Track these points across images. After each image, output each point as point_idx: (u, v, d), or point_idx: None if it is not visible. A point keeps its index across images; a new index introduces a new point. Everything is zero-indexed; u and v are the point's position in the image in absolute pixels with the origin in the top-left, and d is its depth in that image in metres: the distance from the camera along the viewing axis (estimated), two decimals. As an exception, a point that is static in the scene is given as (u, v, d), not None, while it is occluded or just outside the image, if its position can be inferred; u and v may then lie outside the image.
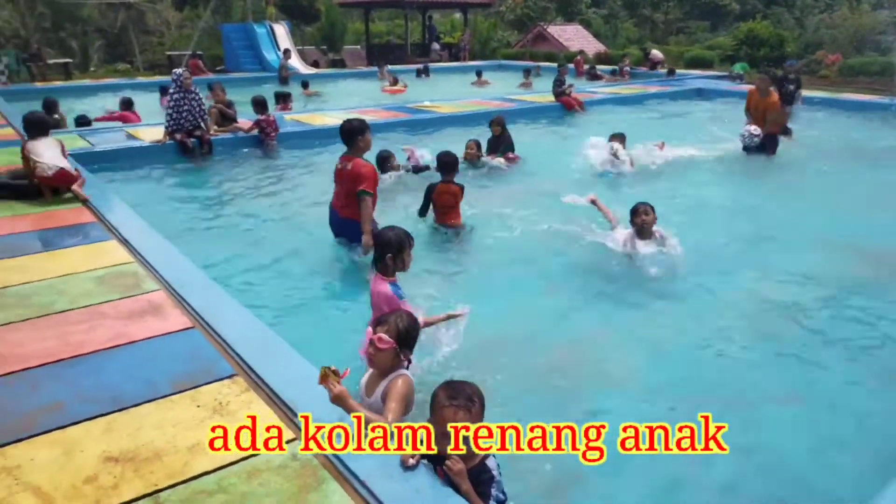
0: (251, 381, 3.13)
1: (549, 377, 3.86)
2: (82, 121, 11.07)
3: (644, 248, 5.36)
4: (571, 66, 22.22)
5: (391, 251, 3.60)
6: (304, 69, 21.79)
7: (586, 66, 21.84)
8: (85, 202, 6.13)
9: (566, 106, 13.82)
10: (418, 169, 8.12)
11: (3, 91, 16.08)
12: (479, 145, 8.83)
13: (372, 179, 5.26)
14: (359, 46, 33.83)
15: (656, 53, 24.14)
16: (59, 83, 19.41)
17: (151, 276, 4.38)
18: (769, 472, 3.15)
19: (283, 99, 13.40)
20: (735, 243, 6.12)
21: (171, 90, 9.20)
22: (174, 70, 9.33)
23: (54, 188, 6.29)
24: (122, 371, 3.21)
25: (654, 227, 5.42)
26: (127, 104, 12.12)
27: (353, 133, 5.28)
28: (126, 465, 2.53)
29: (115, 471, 2.50)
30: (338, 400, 2.53)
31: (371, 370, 2.87)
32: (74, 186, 6.27)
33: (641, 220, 5.39)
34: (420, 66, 23.25)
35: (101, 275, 4.41)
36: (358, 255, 5.31)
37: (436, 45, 29.45)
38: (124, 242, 5.04)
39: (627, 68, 20.68)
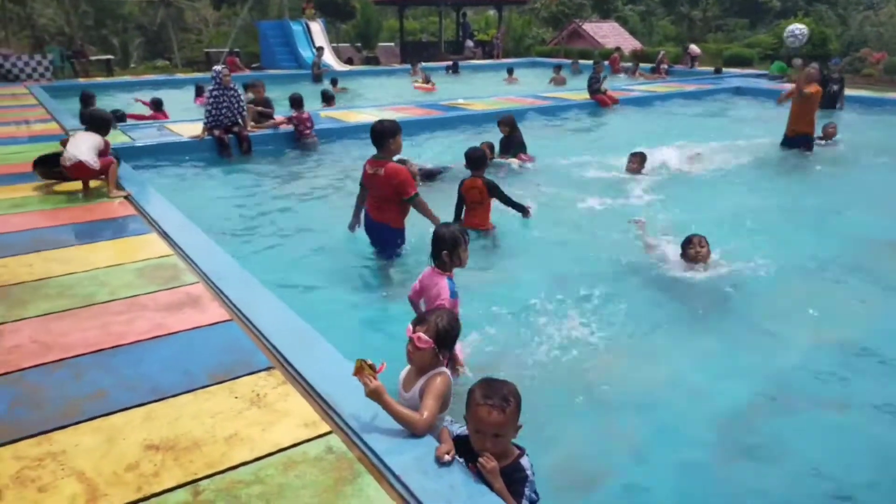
0: (287, 373, 3.16)
1: (590, 387, 3.82)
2: (117, 116, 11.26)
3: (689, 272, 5.17)
4: (607, 63, 22.02)
5: (446, 247, 3.66)
6: (339, 66, 21.97)
7: (628, 64, 21.60)
8: (116, 197, 6.27)
9: (601, 104, 13.70)
10: (430, 174, 8.01)
11: (48, 87, 16.53)
12: (491, 147, 8.47)
13: (411, 181, 5.24)
14: (392, 44, 33.99)
15: (694, 48, 23.72)
16: (101, 79, 19.89)
17: (190, 269, 4.45)
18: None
19: (328, 100, 13.40)
20: (781, 258, 5.93)
21: (210, 87, 9.34)
22: (214, 67, 9.48)
23: (84, 181, 6.43)
24: (161, 361, 3.26)
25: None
26: (157, 105, 12.29)
27: (384, 135, 5.17)
28: (166, 453, 2.57)
29: (156, 459, 2.54)
30: (374, 395, 2.54)
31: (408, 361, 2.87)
32: (106, 181, 6.38)
33: (695, 252, 5.15)
34: (449, 63, 23.26)
35: (142, 267, 4.50)
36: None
37: (469, 43, 29.41)
38: (164, 236, 5.14)
39: (665, 66, 20.32)
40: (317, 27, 23.10)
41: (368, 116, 11.66)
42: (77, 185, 6.50)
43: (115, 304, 3.92)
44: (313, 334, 3.49)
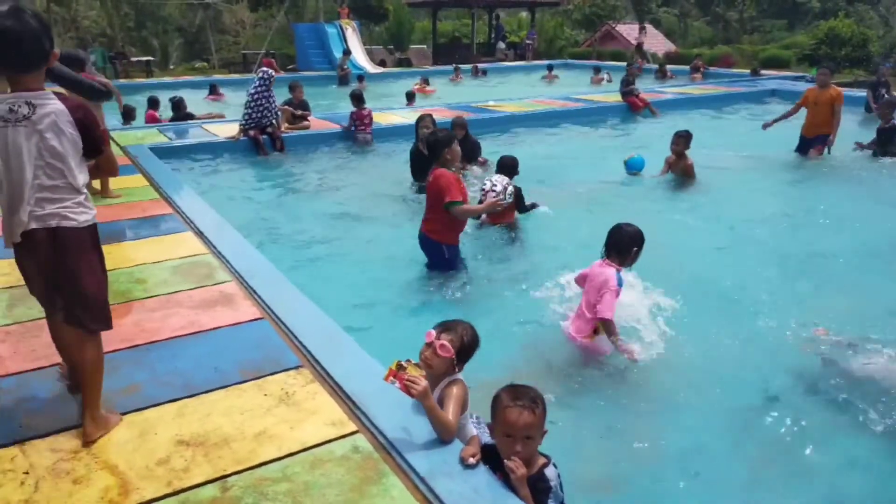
0: (316, 372, 3.20)
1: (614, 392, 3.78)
2: (127, 112, 11.23)
3: None
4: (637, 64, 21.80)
5: (638, 245, 3.95)
6: (372, 69, 22.13)
7: (654, 66, 21.35)
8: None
9: (632, 107, 13.55)
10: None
11: (89, 88, 16.97)
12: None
13: (455, 186, 4.90)
14: (424, 46, 34.10)
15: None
16: (141, 80, 20.38)
17: (224, 268, 4.53)
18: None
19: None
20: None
21: (254, 87, 9.47)
22: (263, 69, 9.62)
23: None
24: (194, 358, 3.33)
25: None
26: (178, 106, 11.97)
27: (438, 146, 5.04)
28: (196, 449, 2.62)
29: (186, 454, 2.59)
30: (423, 395, 2.48)
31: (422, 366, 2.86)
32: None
33: None
34: (476, 65, 23.31)
35: (177, 265, 4.59)
36: None
37: (501, 44, 29.40)
38: (199, 234, 5.24)
39: (701, 69, 20.01)
40: (351, 30, 23.31)
41: (400, 118, 11.74)
42: (118, 182, 6.63)
43: (150, 301, 4.01)
44: (342, 334, 3.53)
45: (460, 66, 22.66)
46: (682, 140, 8.16)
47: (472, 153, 8.03)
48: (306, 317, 3.75)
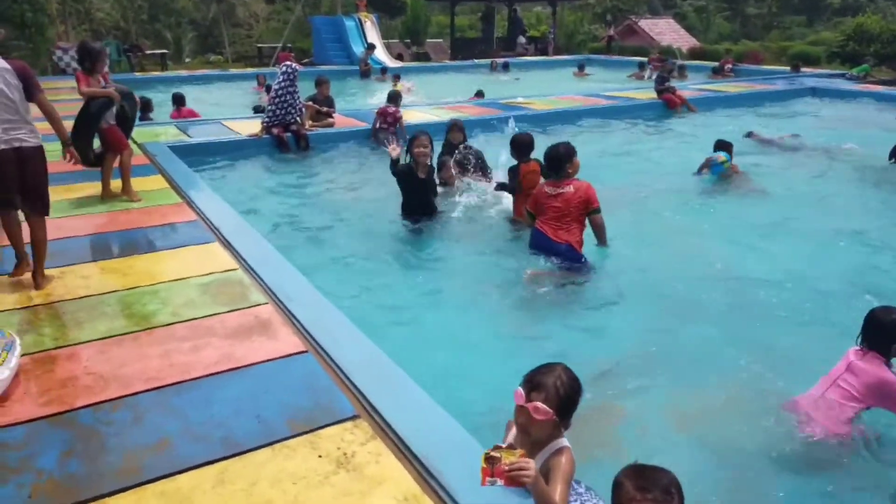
0: (376, 425, 2.70)
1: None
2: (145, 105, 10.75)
3: None
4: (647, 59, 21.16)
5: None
6: (391, 63, 21.59)
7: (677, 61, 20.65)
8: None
9: (669, 104, 12.94)
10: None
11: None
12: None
13: (595, 194, 5.07)
14: (440, 40, 33.52)
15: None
16: (156, 73, 19.94)
17: (257, 286, 4.05)
18: None
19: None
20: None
21: (277, 83, 8.98)
22: (287, 63, 9.11)
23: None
24: (232, 403, 2.84)
25: None
26: (179, 100, 11.57)
27: (560, 160, 5.08)
28: (244, 532, 2.14)
29: (232, 540, 2.11)
30: (535, 481, 1.98)
31: (518, 433, 2.36)
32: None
33: None
34: (494, 59, 22.71)
35: (206, 282, 4.11)
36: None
37: (522, 39, 28.77)
38: (227, 245, 4.75)
39: (730, 66, 19.31)
40: (370, 23, 22.79)
41: (429, 115, 11.22)
42: (136, 183, 6.18)
43: (178, 327, 3.53)
44: (401, 376, 3.03)
45: (496, 60, 22.22)
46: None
47: (480, 167, 7.01)
48: (356, 351, 3.26)
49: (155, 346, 3.32)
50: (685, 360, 3.88)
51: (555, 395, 2.17)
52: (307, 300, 3.82)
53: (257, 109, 11.71)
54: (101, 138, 5.97)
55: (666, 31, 36.02)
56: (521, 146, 5.93)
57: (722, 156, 7.93)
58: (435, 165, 6.39)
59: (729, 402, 3.50)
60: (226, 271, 4.30)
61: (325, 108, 10.00)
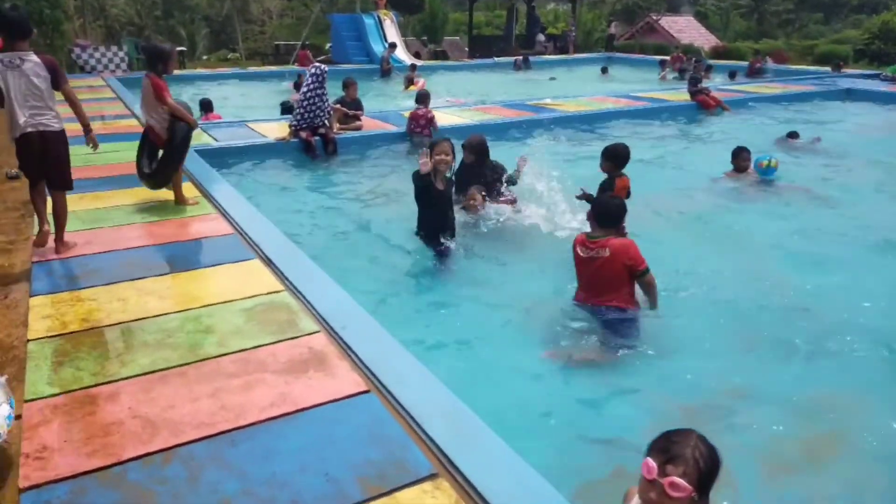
0: (459, 486, 2.40)
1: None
2: (205, 105, 10.95)
3: None
4: (668, 58, 20.71)
5: None
6: (411, 61, 21.27)
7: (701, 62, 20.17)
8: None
9: (703, 105, 12.58)
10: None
11: (123, 79, 16.35)
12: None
13: (639, 253, 4.14)
14: (457, 38, 33.15)
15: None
16: (175, 72, 19.70)
17: (307, 311, 3.75)
18: None
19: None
20: None
21: (306, 84, 8.69)
22: (315, 64, 8.80)
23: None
24: (295, 457, 2.55)
25: None
26: (207, 106, 11.22)
27: (615, 215, 4.22)
28: None
29: None
30: None
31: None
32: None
33: None
34: (517, 57, 22.36)
35: (250, 306, 3.83)
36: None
37: (541, 37, 28.30)
38: (268, 263, 4.46)
39: (759, 65, 18.82)
40: (389, 21, 22.47)
41: (454, 118, 10.91)
42: (167, 193, 5.93)
43: (226, 359, 3.25)
44: (479, 427, 2.71)
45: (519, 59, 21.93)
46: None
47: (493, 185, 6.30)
48: (425, 393, 2.95)
49: (203, 384, 3.03)
50: (775, 398, 3.56)
51: (694, 468, 1.87)
52: (363, 329, 3.52)
53: (285, 106, 11.43)
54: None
55: (686, 28, 35.57)
56: (619, 157, 5.33)
57: (773, 160, 7.62)
58: (453, 178, 5.64)
59: (831, 445, 3.19)
60: (270, 293, 4.01)
61: (352, 112, 9.70)
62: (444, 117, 10.83)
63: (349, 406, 2.90)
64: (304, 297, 3.91)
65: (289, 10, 39.71)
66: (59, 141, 4.48)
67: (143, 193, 6.08)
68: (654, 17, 34.37)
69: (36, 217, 4.81)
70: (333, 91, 9.47)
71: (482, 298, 4.72)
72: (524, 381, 3.73)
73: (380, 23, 22.10)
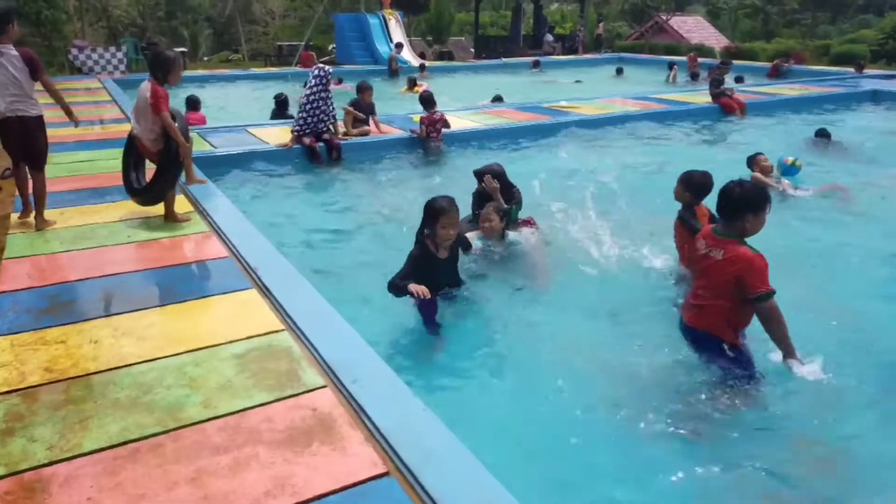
0: None
1: None
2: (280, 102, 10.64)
3: None
4: (684, 59, 20.12)
5: None
6: (417, 62, 20.72)
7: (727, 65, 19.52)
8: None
9: (725, 108, 11.97)
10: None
11: (121, 81, 15.78)
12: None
13: (763, 272, 3.21)
14: (462, 38, 32.57)
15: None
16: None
17: (310, 359, 3.16)
18: None
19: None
20: None
21: (308, 87, 8.12)
22: (319, 66, 8.23)
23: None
24: (296, 575, 1.97)
25: None
26: (195, 104, 10.66)
27: (740, 206, 3.24)
28: None
29: None
30: None
31: None
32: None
33: None
34: (535, 59, 21.79)
35: (243, 351, 3.24)
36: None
37: (549, 37, 27.73)
38: (266, 294, 3.87)
39: (786, 66, 18.17)
40: (394, 21, 21.91)
41: (467, 122, 10.33)
42: (158, 207, 5.37)
43: (212, 426, 2.66)
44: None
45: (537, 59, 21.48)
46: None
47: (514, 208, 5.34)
48: (462, 478, 2.36)
49: (183, 462, 2.45)
50: None
51: None
52: (379, 384, 2.93)
53: (278, 100, 10.78)
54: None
55: (695, 28, 34.99)
56: (699, 188, 4.38)
57: (797, 160, 7.07)
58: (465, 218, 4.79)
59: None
60: (268, 334, 3.42)
61: (362, 115, 9.10)
62: (456, 121, 10.25)
63: (364, 495, 2.31)
64: (307, 339, 3.32)
65: (291, 10, 39.28)
66: (36, 125, 4.92)
67: (132, 206, 5.51)
68: (665, 18, 33.71)
69: (20, 197, 5.25)
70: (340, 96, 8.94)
71: (524, 339, 4.06)
72: (594, 455, 3.05)
73: (385, 23, 21.54)
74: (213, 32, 40.33)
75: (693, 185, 4.39)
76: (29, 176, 5.07)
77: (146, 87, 4.97)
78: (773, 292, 3.19)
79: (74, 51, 17.36)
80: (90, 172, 6.79)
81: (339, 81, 15.61)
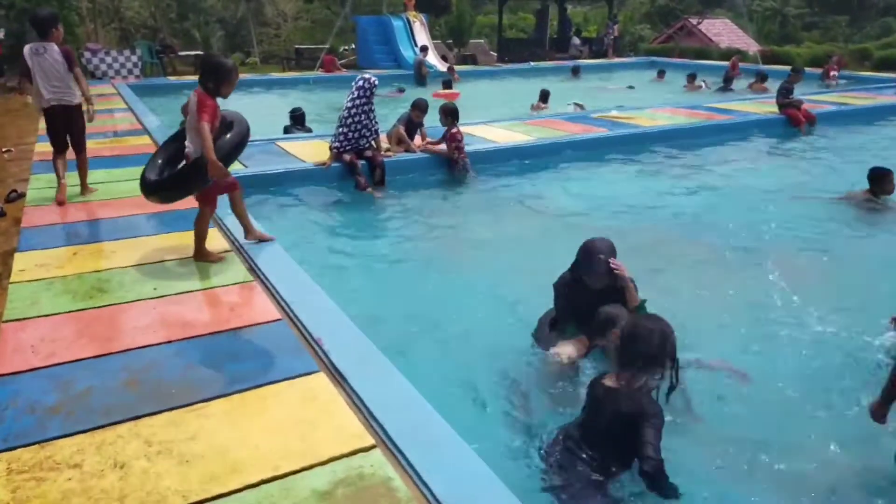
0: None
1: None
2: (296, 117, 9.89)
3: None
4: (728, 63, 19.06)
5: None
6: (442, 66, 19.81)
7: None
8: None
9: (792, 120, 10.96)
10: None
11: (135, 86, 14.96)
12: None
13: None
14: (482, 41, 31.67)
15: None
16: (191, 78, 18.34)
17: (420, 497, 2.23)
18: None
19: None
20: None
21: (350, 98, 7.17)
22: (362, 76, 7.25)
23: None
24: None
25: None
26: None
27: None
28: None
29: None
30: None
31: None
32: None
33: None
34: (576, 64, 20.88)
35: (325, 486, 2.29)
36: None
37: (576, 40, 26.78)
38: (341, 383, 2.94)
39: (835, 72, 17.13)
40: (419, 24, 21.01)
41: (513, 134, 9.38)
42: (186, 241, 4.47)
43: None
44: None
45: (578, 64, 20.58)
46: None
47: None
48: None
49: None
50: None
51: None
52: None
53: (295, 113, 9.84)
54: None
55: (724, 32, 34.00)
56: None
57: None
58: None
59: None
60: (356, 452, 2.48)
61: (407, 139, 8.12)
62: (499, 133, 9.31)
63: None
64: (408, 462, 2.38)
65: (304, 12, 38.59)
66: (76, 112, 5.75)
67: (156, 242, 4.62)
68: (695, 21, 32.64)
69: (57, 177, 5.80)
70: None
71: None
72: None
73: (409, 25, 20.64)
74: (226, 34, 39.64)
75: None
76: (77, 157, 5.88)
77: (194, 99, 4.05)
78: None
79: (87, 54, 16.56)
80: (105, 197, 5.92)
81: (401, 91, 15.18)
